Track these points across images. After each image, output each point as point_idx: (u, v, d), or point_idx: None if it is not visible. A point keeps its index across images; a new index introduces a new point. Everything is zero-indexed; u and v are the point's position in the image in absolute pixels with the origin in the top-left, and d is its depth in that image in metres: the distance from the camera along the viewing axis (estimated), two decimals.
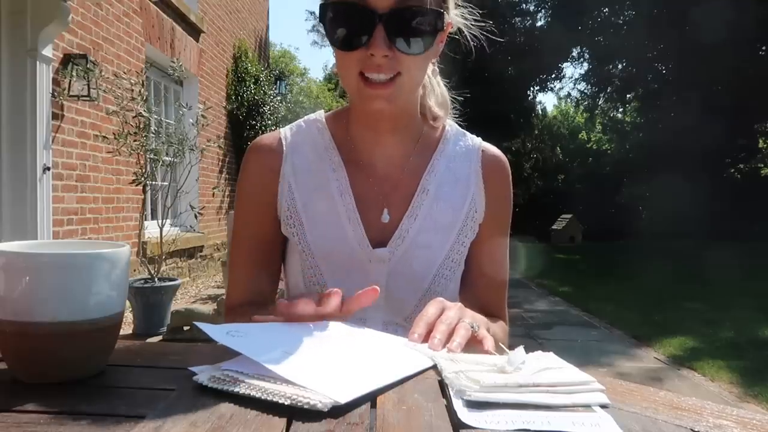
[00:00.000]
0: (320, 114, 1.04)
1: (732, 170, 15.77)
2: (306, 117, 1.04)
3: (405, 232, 0.95)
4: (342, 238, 0.94)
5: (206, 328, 0.62)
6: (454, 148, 1.01)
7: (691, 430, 0.52)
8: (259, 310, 0.85)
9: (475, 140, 1.03)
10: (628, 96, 17.42)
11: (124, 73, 4.81)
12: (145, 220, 5.65)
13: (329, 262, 0.95)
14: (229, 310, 1.00)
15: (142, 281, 4.50)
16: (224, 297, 1.05)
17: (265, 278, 1.00)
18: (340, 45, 0.85)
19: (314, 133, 1.00)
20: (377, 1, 0.81)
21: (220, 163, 7.94)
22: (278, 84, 11.91)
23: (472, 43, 0.97)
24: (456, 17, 0.94)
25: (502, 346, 0.69)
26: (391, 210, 0.96)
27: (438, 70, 1.04)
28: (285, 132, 1.01)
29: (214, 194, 7.20)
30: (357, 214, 0.94)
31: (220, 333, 0.62)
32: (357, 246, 0.94)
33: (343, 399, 0.51)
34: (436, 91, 1.02)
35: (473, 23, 0.96)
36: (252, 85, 8.69)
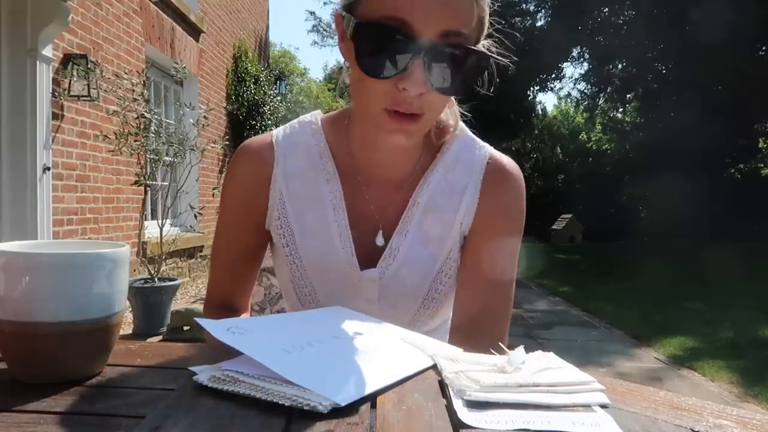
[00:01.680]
0: (316, 116, 0.98)
1: (732, 170, 15.78)
2: (301, 117, 0.98)
3: (395, 251, 0.90)
4: (332, 254, 0.90)
5: (206, 324, 0.62)
6: (457, 155, 0.94)
7: (691, 430, 0.52)
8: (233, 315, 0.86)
9: (484, 149, 0.96)
10: (628, 96, 17.41)
11: (125, 73, 4.81)
12: (145, 220, 5.64)
13: (319, 275, 0.92)
14: (206, 308, 1.00)
15: (142, 281, 4.50)
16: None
17: (241, 284, 0.99)
18: (371, 71, 0.75)
19: (308, 136, 0.94)
20: (422, 31, 0.72)
21: (220, 164, 7.94)
22: (278, 84, 11.91)
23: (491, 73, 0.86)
24: (481, 48, 0.85)
25: (502, 346, 0.69)
26: (385, 227, 0.91)
27: None
28: (278, 134, 0.95)
29: (214, 194, 7.19)
30: (349, 232, 0.90)
31: (220, 329, 0.62)
32: (346, 265, 0.90)
33: (343, 401, 0.51)
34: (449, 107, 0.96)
35: (498, 53, 0.86)
36: (252, 85, 8.69)
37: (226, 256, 0.97)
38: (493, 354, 0.67)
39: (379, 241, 0.91)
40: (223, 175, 8.09)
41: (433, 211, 0.92)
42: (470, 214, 0.92)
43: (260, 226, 0.95)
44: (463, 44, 0.75)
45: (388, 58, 0.74)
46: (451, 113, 0.97)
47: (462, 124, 0.98)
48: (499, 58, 0.85)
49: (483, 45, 0.83)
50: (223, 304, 0.98)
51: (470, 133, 0.98)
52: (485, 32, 0.83)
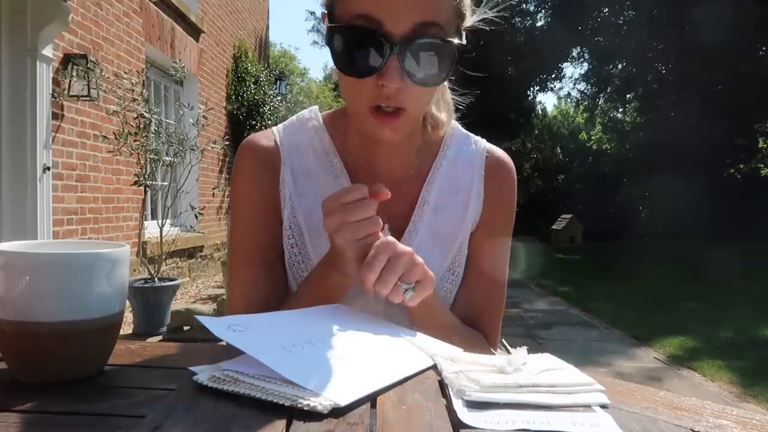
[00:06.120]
0: (315, 111, 0.97)
1: (732, 170, 15.77)
2: (299, 114, 0.97)
3: None
4: None
5: (206, 321, 0.61)
6: (456, 153, 0.96)
7: (691, 430, 0.52)
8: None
9: (480, 143, 0.98)
10: (628, 96, 17.41)
11: (125, 73, 4.81)
12: (145, 220, 5.65)
13: None
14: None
15: (142, 281, 4.50)
16: (224, 297, 1.01)
17: (274, 288, 0.91)
18: (349, 72, 0.78)
19: (311, 134, 0.94)
20: (393, 27, 0.73)
21: (220, 164, 7.94)
22: (278, 84, 11.92)
23: (487, 28, 0.87)
24: (473, 21, 0.86)
25: (506, 344, 0.69)
26: (391, 222, 0.90)
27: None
28: (278, 132, 0.94)
29: (214, 194, 7.20)
30: None
31: (220, 327, 0.62)
32: None
33: (344, 401, 0.51)
34: (440, 98, 0.95)
35: (492, 16, 0.87)
36: (252, 85, 8.69)
37: (249, 259, 0.91)
38: (494, 354, 0.67)
39: (386, 234, 0.89)
40: (223, 175, 8.09)
41: (442, 210, 0.93)
42: (478, 212, 0.95)
43: (277, 219, 0.92)
44: (438, 33, 0.75)
45: (364, 57, 0.75)
46: (444, 106, 0.96)
47: (454, 122, 0.99)
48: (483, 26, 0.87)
49: (472, 20, 0.84)
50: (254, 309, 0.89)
51: (463, 129, 1.00)
52: (468, 16, 0.83)
